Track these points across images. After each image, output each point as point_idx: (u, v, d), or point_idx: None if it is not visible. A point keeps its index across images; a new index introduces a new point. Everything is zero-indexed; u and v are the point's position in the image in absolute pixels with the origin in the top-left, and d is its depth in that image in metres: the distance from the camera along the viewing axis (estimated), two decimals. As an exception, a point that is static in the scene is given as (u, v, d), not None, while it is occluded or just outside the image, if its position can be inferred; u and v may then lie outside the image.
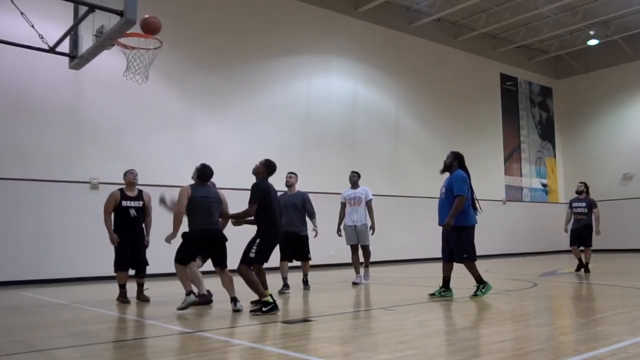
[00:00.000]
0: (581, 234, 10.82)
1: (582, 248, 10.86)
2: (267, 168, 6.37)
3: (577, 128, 22.53)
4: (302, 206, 8.47)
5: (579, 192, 11.14)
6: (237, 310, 5.95)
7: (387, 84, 17.20)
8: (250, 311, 5.86)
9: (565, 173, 22.74)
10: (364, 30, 16.66)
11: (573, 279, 10.08)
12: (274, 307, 5.82)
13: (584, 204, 10.95)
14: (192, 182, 6.48)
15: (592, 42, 20.27)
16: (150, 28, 6.50)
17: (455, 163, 7.05)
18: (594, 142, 21.92)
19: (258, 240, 6.03)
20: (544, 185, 22.04)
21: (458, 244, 6.87)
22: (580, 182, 11.34)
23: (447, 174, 7.18)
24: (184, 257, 6.29)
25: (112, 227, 7.12)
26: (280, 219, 6.34)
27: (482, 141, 19.79)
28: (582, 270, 10.76)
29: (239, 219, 6.38)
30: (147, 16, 6.48)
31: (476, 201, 7.07)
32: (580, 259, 10.91)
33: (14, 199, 10.67)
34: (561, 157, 22.92)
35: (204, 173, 6.50)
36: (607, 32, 19.71)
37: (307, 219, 8.61)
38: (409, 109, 17.77)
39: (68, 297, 8.07)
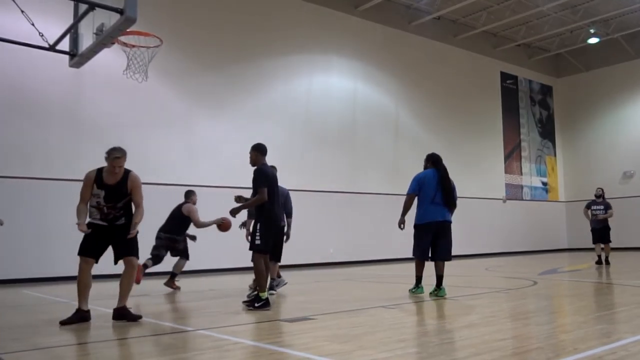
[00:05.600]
0: (602, 234, 12.40)
1: (602, 245, 12.43)
2: (261, 151, 6.25)
3: (577, 126, 22.53)
4: (283, 202, 7.56)
5: (597, 196, 12.51)
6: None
7: (387, 83, 17.19)
8: (244, 302, 5.97)
9: (566, 171, 22.76)
10: (364, 28, 16.65)
11: (573, 277, 10.10)
12: (265, 304, 5.85)
13: (602, 207, 12.43)
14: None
15: (593, 40, 20.27)
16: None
17: (428, 164, 7.34)
18: (594, 141, 21.92)
19: (259, 226, 5.94)
20: (544, 184, 22.04)
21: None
22: (599, 188, 12.74)
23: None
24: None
25: None
26: (279, 207, 6.27)
27: (483, 139, 19.81)
28: (603, 264, 12.17)
29: (249, 207, 6.16)
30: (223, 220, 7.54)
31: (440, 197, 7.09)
32: (599, 256, 12.36)
33: (14, 197, 10.68)
34: (561, 155, 22.92)
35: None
36: (608, 31, 19.70)
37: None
38: (409, 107, 17.76)
39: (68, 295, 8.05)
